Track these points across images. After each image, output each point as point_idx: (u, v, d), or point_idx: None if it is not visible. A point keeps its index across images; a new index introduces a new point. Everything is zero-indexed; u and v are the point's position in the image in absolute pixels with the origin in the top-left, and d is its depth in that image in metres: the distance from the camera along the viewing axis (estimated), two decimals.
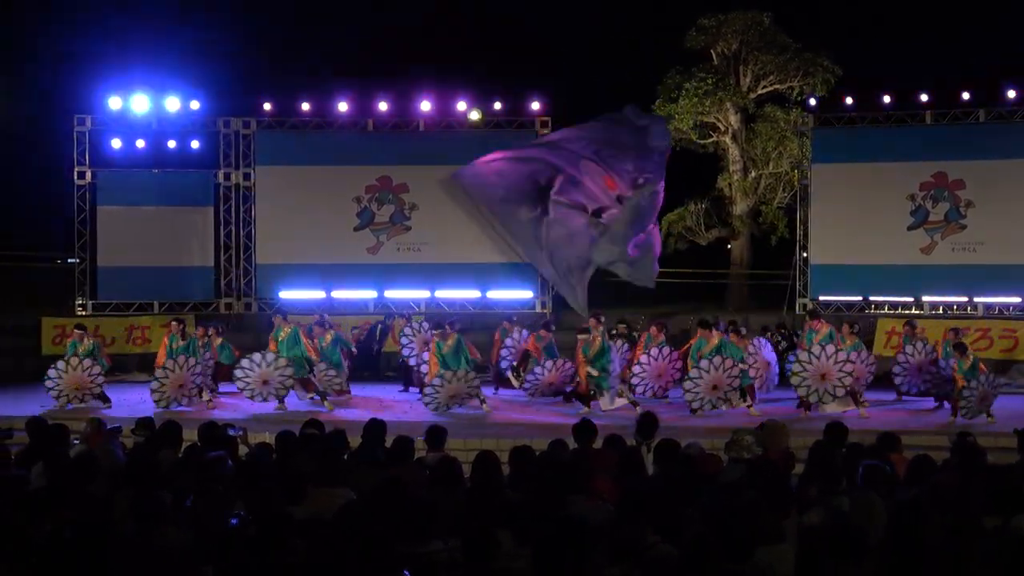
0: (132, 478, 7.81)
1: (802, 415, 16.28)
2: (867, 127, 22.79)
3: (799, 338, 18.58)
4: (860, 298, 22.71)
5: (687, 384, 16.65)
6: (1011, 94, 21.71)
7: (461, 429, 14.21)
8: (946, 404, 16.86)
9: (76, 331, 18.11)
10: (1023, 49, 26.57)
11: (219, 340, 18.89)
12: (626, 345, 18.81)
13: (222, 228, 23.47)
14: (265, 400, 16.96)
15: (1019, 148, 21.63)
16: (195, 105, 23.33)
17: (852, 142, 22.83)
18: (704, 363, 16.57)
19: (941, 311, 21.98)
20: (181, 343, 17.78)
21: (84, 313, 22.53)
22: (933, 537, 6.34)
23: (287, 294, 23.08)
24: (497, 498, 7.12)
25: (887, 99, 22.63)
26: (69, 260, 24.76)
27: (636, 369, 17.77)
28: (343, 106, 23.23)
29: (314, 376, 17.61)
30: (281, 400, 17.12)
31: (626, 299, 22.42)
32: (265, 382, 16.93)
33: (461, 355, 17.20)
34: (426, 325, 19.25)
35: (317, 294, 22.82)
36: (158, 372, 17.12)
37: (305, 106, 23.34)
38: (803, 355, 16.58)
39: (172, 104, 23.01)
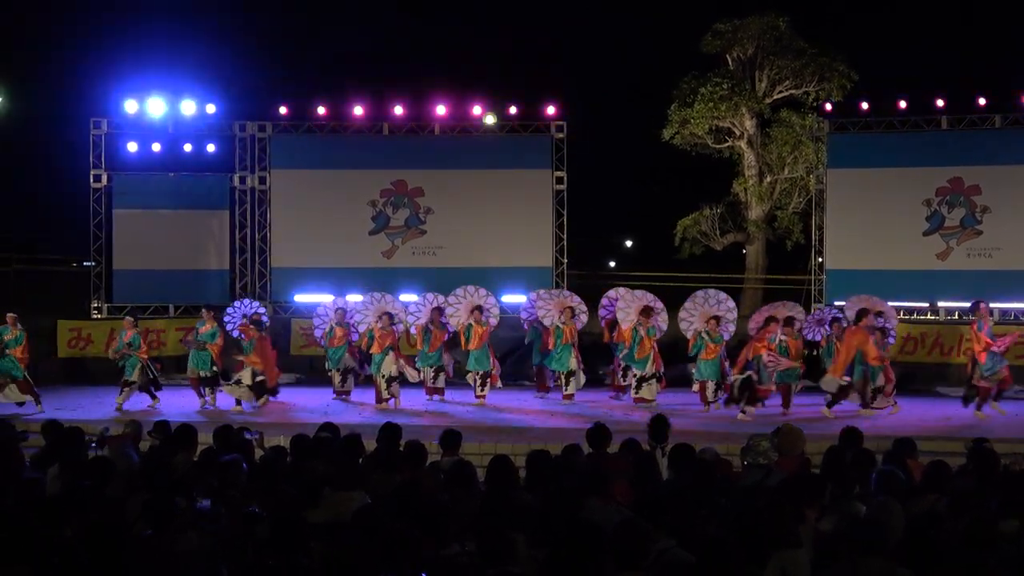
0: (147, 481, 7.83)
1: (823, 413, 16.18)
2: (883, 132, 22.67)
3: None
4: None
5: None
6: None
7: (475, 434, 14.20)
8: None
9: (9, 316, 17.88)
10: None
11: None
12: None
13: (237, 231, 23.51)
14: None
15: None
16: (211, 109, 23.35)
17: (868, 147, 22.71)
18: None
19: (957, 317, 21.87)
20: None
21: (99, 316, 22.60)
22: (949, 542, 6.32)
23: (302, 297, 23.12)
24: (512, 501, 7.11)
25: (903, 104, 22.48)
26: (85, 263, 24.82)
27: None
28: (358, 110, 23.24)
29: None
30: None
31: None
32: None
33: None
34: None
35: (331, 298, 22.79)
36: None
37: (320, 110, 23.36)
38: None
39: (188, 108, 23.02)
